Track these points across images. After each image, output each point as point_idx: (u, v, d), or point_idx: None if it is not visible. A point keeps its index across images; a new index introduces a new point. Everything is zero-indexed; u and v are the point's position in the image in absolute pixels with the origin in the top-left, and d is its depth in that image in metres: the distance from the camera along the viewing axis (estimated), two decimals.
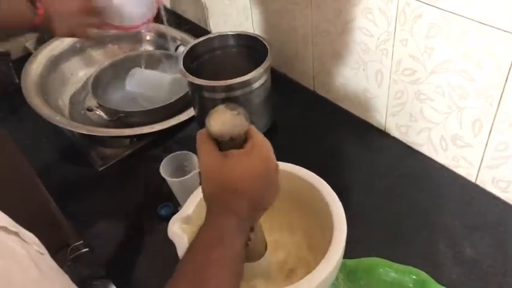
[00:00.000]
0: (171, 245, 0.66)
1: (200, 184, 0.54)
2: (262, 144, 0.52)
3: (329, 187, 0.69)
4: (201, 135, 0.52)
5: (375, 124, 0.99)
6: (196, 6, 1.33)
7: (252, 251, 0.65)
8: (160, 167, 0.81)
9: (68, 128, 1.02)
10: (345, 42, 0.93)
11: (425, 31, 0.77)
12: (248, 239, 0.58)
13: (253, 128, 0.53)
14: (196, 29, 1.35)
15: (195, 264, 0.48)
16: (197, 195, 0.72)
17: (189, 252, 0.50)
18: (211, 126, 0.51)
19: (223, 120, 0.50)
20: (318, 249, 0.70)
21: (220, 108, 0.51)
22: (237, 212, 0.50)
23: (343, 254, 0.64)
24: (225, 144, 0.51)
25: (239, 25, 1.21)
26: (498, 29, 0.68)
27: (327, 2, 0.91)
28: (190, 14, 1.38)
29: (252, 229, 0.58)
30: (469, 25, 0.71)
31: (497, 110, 0.75)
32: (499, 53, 0.70)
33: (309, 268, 0.68)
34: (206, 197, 0.53)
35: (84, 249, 0.97)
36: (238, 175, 0.50)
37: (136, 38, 1.29)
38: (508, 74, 0.70)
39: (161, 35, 1.28)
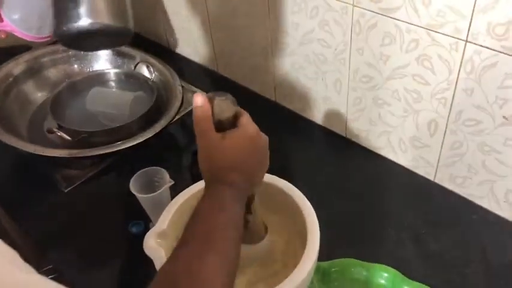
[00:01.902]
0: (145, 262, 0.66)
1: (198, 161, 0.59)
2: (250, 124, 0.59)
3: (302, 194, 0.72)
4: (199, 118, 0.56)
5: (336, 131, 1.03)
6: (154, 23, 1.34)
7: (252, 233, 0.69)
8: (130, 184, 0.81)
9: (28, 150, 1.00)
10: (304, 54, 0.97)
11: (380, 40, 0.82)
12: (247, 221, 0.65)
13: (241, 110, 0.59)
14: (155, 46, 1.35)
15: (202, 229, 0.52)
16: (171, 210, 0.72)
17: (192, 220, 0.53)
18: None
19: (214, 105, 0.56)
20: (294, 253, 0.72)
21: (209, 95, 0.57)
22: (233, 184, 0.56)
23: (316, 260, 0.66)
24: (217, 125, 0.57)
25: (198, 40, 1.23)
26: (447, 35, 0.73)
27: (285, 15, 0.95)
28: (149, 31, 1.39)
29: (249, 210, 0.64)
30: (420, 33, 0.76)
31: (450, 111, 0.80)
32: (449, 58, 0.75)
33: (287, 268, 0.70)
34: (205, 173, 0.58)
35: (53, 275, 0.94)
36: (233, 152, 0.57)
37: (93, 58, 1.28)
38: (458, 77, 0.75)
39: (119, 54, 1.27)
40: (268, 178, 0.74)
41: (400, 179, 0.93)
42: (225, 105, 0.58)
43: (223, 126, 0.58)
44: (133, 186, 0.81)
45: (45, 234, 0.89)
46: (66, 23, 0.80)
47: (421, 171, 0.92)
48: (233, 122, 0.59)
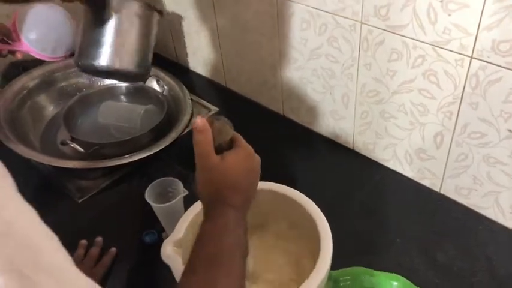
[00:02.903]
0: (158, 271, 0.68)
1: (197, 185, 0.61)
2: (246, 146, 0.62)
3: (315, 205, 0.74)
4: (200, 142, 0.58)
5: (343, 143, 1.06)
6: (165, 38, 1.37)
7: None
8: (146, 193, 0.83)
9: (42, 161, 1.02)
10: (312, 68, 1.00)
11: (388, 56, 0.85)
12: None
13: (237, 134, 0.62)
14: (165, 61, 1.38)
15: (209, 252, 0.53)
16: (186, 219, 0.74)
17: (198, 243, 0.54)
18: None
19: (214, 128, 0.59)
20: (305, 266, 0.74)
21: (209, 119, 0.60)
22: (234, 205, 0.57)
23: (329, 270, 0.68)
24: (217, 148, 0.59)
25: (208, 57, 1.26)
26: (452, 51, 0.76)
27: (294, 31, 0.98)
28: (159, 46, 1.41)
29: None
30: (426, 49, 0.79)
31: (455, 124, 0.82)
32: (454, 73, 0.78)
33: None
34: (205, 196, 0.60)
35: None
36: (232, 174, 0.58)
37: None
38: (463, 91, 0.78)
39: None
40: (281, 188, 0.76)
41: (406, 191, 0.96)
42: (224, 129, 0.61)
43: (221, 148, 0.60)
44: (148, 195, 0.84)
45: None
46: (86, 58, 0.82)
47: (426, 183, 0.94)
48: (229, 145, 0.62)
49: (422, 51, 0.79)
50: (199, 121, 0.58)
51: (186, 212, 0.76)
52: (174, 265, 0.68)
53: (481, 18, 0.70)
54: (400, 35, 0.81)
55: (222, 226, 0.56)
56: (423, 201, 0.93)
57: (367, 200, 0.95)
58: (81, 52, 0.83)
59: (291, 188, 0.77)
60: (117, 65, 0.83)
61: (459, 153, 0.85)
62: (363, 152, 1.03)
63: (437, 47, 0.77)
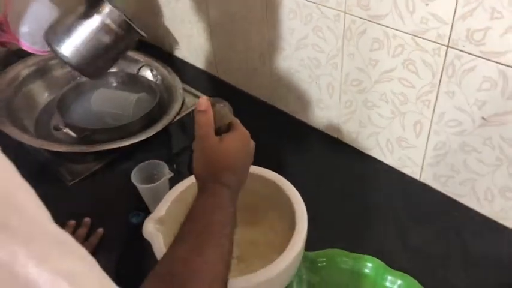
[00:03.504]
0: (144, 251, 0.71)
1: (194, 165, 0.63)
2: (244, 130, 0.64)
3: (294, 189, 0.77)
4: (202, 123, 0.60)
5: (329, 133, 1.08)
6: (158, 29, 1.40)
7: None
8: (132, 175, 0.86)
9: (35, 145, 1.05)
10: (299, 58, 1.02)
11: (369, 45, 0.87)
12: None
13: (235, 118, 0.65)
14: (158, 51, 1.41)
15: (199, 224, 0.55)
16: (169, 199, 0.77)
17: (190, 217, 0.56)
18: None
19: (215, 111, 0.61)
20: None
21: (210, 100, 0.62)
22: (228, 184, 0.60)
23: (303, 247, 0.71)
24: (216, 130, 0.61)
25: (200, 47, 1.29)
26: (430, 40, 0.78)
27: (281, 21, 1.00)
28: (152, 36, 1.44)
29: None
30: (405, 38, 0.81)
31: (433, 113, 0.85)
32: (432, 62, 0.80)
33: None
34: (201, 173, 0.61)
35: None
36: (229, 155, 0.61)
37: None
38: (440, 80, 0.80)
39: (123, 57, 1.33)
40: (261, 171, 0.79)
41: (387, 179, 0.98)
42: (224, 113, 0.63)
43: (220, 131, 0.63)
44: (134, 177, 0.86)
45: None
46: (52, 36, 0.90)
47: (407, 171, 0.97)
48: (227, 128, 0.64)
49: (401, 40, 0.82)
50: (203, 102, 0.60)
51: (169, 192, 0.78)
52: (154, 242, 0.71)
53: (456, 8, 0.72)
54: (380, 24, 0.83)
55: (215, 203, 0.58)
56: (403, 189, 0.96)
57: (349, 188, 0.97)
58: (52, 29, 0.90)
59: (272, 171, 0.80)
60: (70, 59, 0.89)
61: (437, 142, 0.87)
62: (347, 141, 1.05)
63: (416, 36, 0.79)
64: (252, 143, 0.66)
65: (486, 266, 0.81)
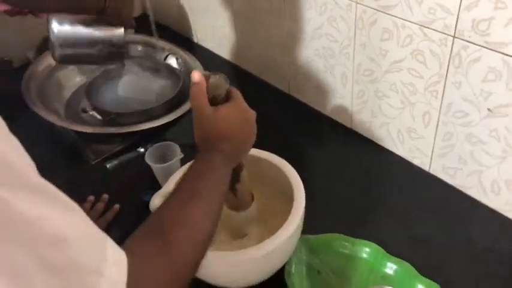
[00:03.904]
0: None
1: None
2: (240, 100, 0.66)
3: (292, 168, 0.80)
4: (195, 94, 0.63)
5: (342, 122, 1.09)
6: (182, 18, 1.45)
7: (240, 201, 0.78)
8: (146, 155, 0.91)
9: (64, 126, 1.12)
10: (314, 48, 1.04)
11: (380, 35, 0.88)
12: (235, 189, 0.74)
13: (233, 89, 0.67)
14: (183, 40, 1.46)
15: (190, 183, 0.59)
16: (176, 177, 0.82)
17: (183, 177, 0.60)
18: None
19: (209, 82, 0.64)
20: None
21: (206, 73, 0.65)
22: (222, 151, 0.63)
23: (302, 221, 0.74)
24: (211, 100, 0.64)
25: (222, 36, 1.32)
26: (437, 31, 0.78)
27: (299, 11, 1.02)
28: (178, 26, 1.50)
29: (238, 179, 0.73)
30: (414, 28, 0.82)
31: (441, 103, 0.85)
32: (439, 53, 0.80)
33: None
34: (198, 141, 0.65)
35: None
36: (224, 124, 0.64)
37: (128, 48, 1.39)
38: (447, 70, 0.81)
39: (151, 46, 1.38)
40: (261, 153, 0.82)
41: (397, 169, 0.99)
42: (219, 82, 0.65)
43: (216, 101, 0.65)
44: (148, 157, 0.91)
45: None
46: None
47: (417, 162, 0.97)
48: (226, 99, 0.66)
49: (410, 30, 0.82)
50: (195, 74, 0.63)
51: (178, 170, 0.83)
52: None
53: None
54: (390, 14, 0.84)
55: (207, 166, 0.61)
56: (412, 180, 0.96)
57: (360, 177, 0.98)
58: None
59: (274, 155, 0.83)
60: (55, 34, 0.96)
61: (445, 133, 0.88)
62: (360, 131, 1.06)
63: (424, 26, 0.80)
64: (251, 113, 0.68)
65: (489, 259, 0.81)
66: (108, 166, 1.06)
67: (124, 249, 0.44)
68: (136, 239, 0.51)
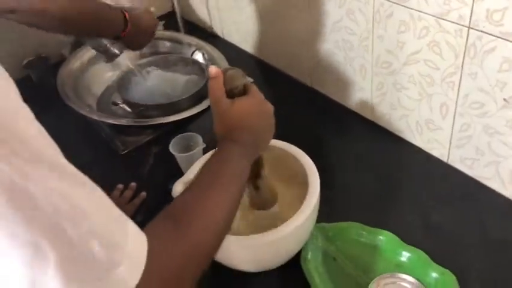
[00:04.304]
0: None
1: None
2: (257, 93, 0.69)
3: (307, 156, 0.82)
4: (212, 87, 0.66)
5: (363, 114, 1.11)
6: (208, 14, 1.49)
7: (263, 199, 0.81)
8: (170, 145, 0.95)
9: (96, 118, 1.18)
10: (334, 41, 1.06)
11: (397, 27, 0.90)
12: (257, 186, 0.77)
13: (250, 83, 0.69)
14: (209, 35, 1.50)
15: (209, 174, 0.61)
16: (198, 164, 0.86)
17: (203, 168, 0.63)
18: None
19: (226, 75, 0.66)
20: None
21: (223, 68, 0.68)
22: (240, 142, 0.65)
23: (317, 206, 0.76)
24: (228, 93, 0.67)
25: (247, 31, 1.36)
26: (452, 22, 0.79)
27: (320, 5, 1.05)
28: (203, 22, 1.54)
29: (259, 175, 0.75)
30: (429, 20, 0.83)
31: (458, 95, 0.86)
32: (455, 44, 0.81)
33: None
34: (218, 133, 0.68)
35: None
36: (241, 116, 0.66)
37: (157, 44, 1.45)
38: (463, 61, 0.81)
39: (178, 41, 1.43)
40: (276, 142, 0.85)
41: (416, 160, 1.00)
42: (236, 76, 0.67)
43: (233, 94, 0.67)
44: (172, 147, 0.96)
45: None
46: None
47: (435, 153, 0.98)
48: (243, 92, 0.68)
49: (426, 22, 0.83)
50: (212, 69, 0.66)
51: (199, 159, 0.87)
52: None
53: None
54: (406, 7, 0.85)
55: (224, 157, 0.63)
56: (431, 171, 0.97)
57: (378, 167, 1.00)
58: None
59: (292, 145, 0.86)
60: None
61: (462, 124, 0.88)
62: (381, 123, 1.08)
63: (439, 18, 0.81)
64: (268, 105, 0.70)
65: (505, 250, 0.81)
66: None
67: (143, 232, 0.45)
68: (155, 223, 0.53)
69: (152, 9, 1.18)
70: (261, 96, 0.69)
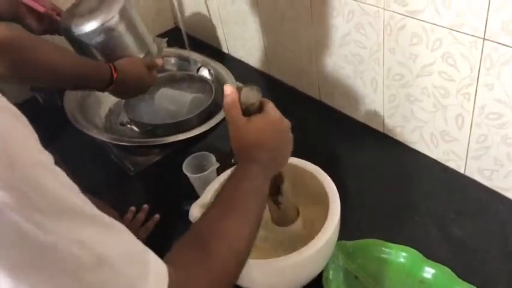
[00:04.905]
0: None
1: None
2: (273, 110, 0.67)
3: (325, 174, 0.81)
4: (228, 105, 0.65)
5: (374, 127, 1.10)
6: (213, 30, 1.48)
7: (284, 215, 0.80)
8: (183, 166, 0.94)
9: (103, 139, 1.17)
10: (343, 54, 1.06)
11: (409, 40, 0.89)
12: (278, 202, 0.76)
13: (266, 100, 0.68)
14: (214, 51, 1.49)
15: (227, 195, 0.60)
16: (213, 186, 0.84)
17: (221, 189, 0.62)
18: None
19: (241, 93, 0.66)
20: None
21: (238, 86, 0.67)
22: (258, 160, 0.64)
23: (338, 227, 0.75)
24: (244, 111, 0.66)
25: (252, 46, 1.35)
26: (466, 34, 0.79)
27: (325, 19, 1.04)
28: (209, 38, 1.53)
29: (280, 192, 0.74)
30: (443, 32, 0.82)
31: (474, 106, 0.85)
32: (469, 55, 0.80)
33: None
34: (236, 152, 0.67)
35: None
36: (258, 134, 0.65)
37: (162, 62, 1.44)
38: (479, 73, 0.81)
39: (184, 59, 1.43)
40: (293, 160, 0.84)
41: (432, 172, 0.99)
42: (251, 94, 0.66)
43: (250, 112, 0.66)
44: (185, 168, 0.94)
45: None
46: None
47: (452, 165, 0.97)
48: (259, 109, 0.67)
49: (439, 34, 0.83)
50: (227, 87, 0.66)
51: (215, 180, 0.85)
52: None
53: (490, 0, 0.72)
54: (418, 19, 0.85)
55: (243, 176, 0.63)
56: (447, 183, 0.96)
57: (393, 180, 0.99)
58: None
59: (308, 162, 0.84)
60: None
61: (479, 135, 0.87)
62: (392, 135, 1.07)
63: (453, 30, 0.80)
64: (285, 122, 0.69)
65: None
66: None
67: (165, 262, 0.45)
68: (177, 251, 0.53)
69: (164, 44, 1.19)
70: (278, 113, 0.68)
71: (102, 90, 1.00)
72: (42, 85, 1.00)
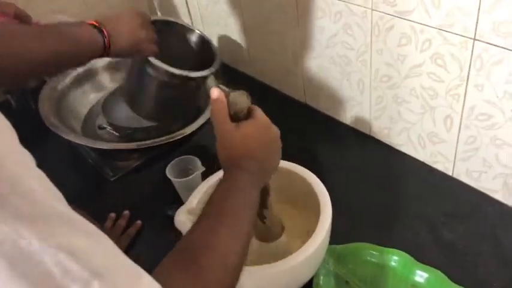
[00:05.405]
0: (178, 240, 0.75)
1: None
2: (262, 117, 0.64)
3: (316, 178, 0.79)
4: (215, 110, 0.62)
5: (361, 129, 1.09)
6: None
7: (269, 231, 0.76)
8: (167, 170, 0.90)
9: (81, 143, 1.12)
10: (329, 56, 1.04)
11: (397, 40, 0.88)
12: (263, 216, 0.72)
13: (255, 106, 0.65)
14: None
15: (217, 206, 0.57)
16: (199, 191, 0.81)
17: (210, 199, 0.58)
18: None
19: (229, 98, 0.62)
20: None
21: (226, 90, 0.64)
22: (248, 170, 0.61)
23: (329, 233, 0.73)
24: (232, 117, 0.62)
25: (235, 48, 1.32)
26: (456, 34, 0.78)
27: (312, 20, 1.02)
28: None
29: (265, 205, 0.70)
30: (432, 32, 0.81)
31: (463, 107, 0.84)
32: (460, 56, 0.80)
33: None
34: (222, 160, 0.64)
35: None
36: (246, 141, 0.62)
37: None
38: (468, 73, 0.80)
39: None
40: (283, 163, 0.81)
41: (420, 174, 0.98)
42: (239, 99, 0.63)
43: (238, 118, 0.63)
44: (169, 172, 0.91)
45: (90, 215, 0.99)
46: None
47: (439, 167, 0.96)
48: (247, 115, 0.64)
49: (428, 34, 0.82)
50: (214, 91, 0.61)
51: (200, 184, 0.82)
52: (185, 230, 0.74)
53: (480, 0, 0.72)
54: (407, 19, 0.84)
55: (233, 186, 0.59)
56: (435, 185, 0.95)
57: (381, 183, 0.97)
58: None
59: (298, 166, 0.82)
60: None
61: (468, 136, 0.86)
62: (379, 137, 1.05)
63: (442, 30, 0.79)
64: (274, 130, 0.66)
65: None
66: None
67: (155, 279, 0.41)
68: (168, 267, 0.49)
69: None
70: (267, 119, 0.65)
71: (100, 57, 0.87)
72: (26, 78, 0.90)
